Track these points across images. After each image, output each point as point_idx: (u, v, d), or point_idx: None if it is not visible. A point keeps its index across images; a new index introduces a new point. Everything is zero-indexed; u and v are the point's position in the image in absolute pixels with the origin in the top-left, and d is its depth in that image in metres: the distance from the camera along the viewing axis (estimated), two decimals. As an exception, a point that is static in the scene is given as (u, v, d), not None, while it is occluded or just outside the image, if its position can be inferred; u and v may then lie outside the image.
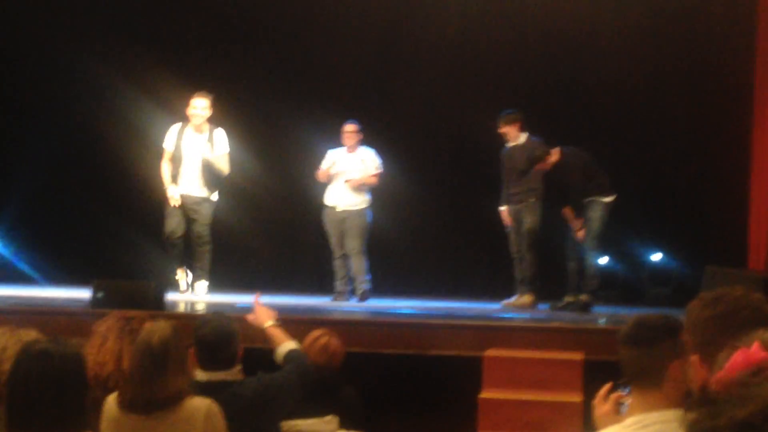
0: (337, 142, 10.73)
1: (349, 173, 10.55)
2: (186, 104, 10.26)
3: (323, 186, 10.71)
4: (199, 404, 4.13)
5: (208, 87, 10.47)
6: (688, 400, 1.99)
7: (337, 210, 10.57)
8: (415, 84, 12.40)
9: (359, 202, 10.55)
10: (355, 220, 10.51)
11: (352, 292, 10.57)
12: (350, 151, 10.63)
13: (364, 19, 12.51)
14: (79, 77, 12.40)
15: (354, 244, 10.49)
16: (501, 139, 10.37)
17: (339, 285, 10.62)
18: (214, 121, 10.36)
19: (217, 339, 4.65)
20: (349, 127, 10.63)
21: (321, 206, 10.76)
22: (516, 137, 10.25)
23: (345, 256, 10.57)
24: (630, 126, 11.96)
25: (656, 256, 12.06)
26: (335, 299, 10.50)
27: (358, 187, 10.54)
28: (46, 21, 12.69)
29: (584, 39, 12.04)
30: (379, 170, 10.62)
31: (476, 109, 11.81)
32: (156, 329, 4.13)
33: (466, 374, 7.24)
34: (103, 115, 12.67)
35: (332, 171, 10.57)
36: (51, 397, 3.21)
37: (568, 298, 9.91)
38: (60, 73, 12.54)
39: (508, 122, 10.25)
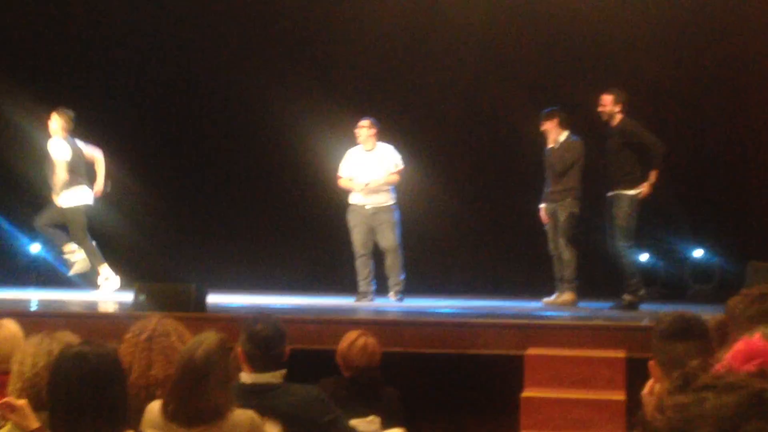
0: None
1: (369, 172, 10.44)
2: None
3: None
4: (243, 417, 4.11)
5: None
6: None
7: (364, 208, 10.44)
8: (450, 79, 12.36)
9: (386, 199, 10.47)
10: (385, 215, 10.41)
11: (380, 292, 10.47)
12: (368, 150, 10.48)
13: (392, 11, 12.48)
14: (124, 80, 12.47)
15: (389, 240, 10.36)
16: (543, 136, 10.31)
17: (362, 285, 10.45)
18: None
19: (271, 335, 4.67)
20: (363, 124, 10.49)
21: (345, 205, 10.64)
22: (556, 135, 10.19)
23: (368, 255, 10.43)
24: (670, 121, 11.86)
25: (698, 253, 11.96)
26: (358, 299, 10.37)
27: (381, 187, 10.45)
28: (96, 21, 12.79)
29: (622, 31, 11.96)
30: (399, 167, 10.49)
31: (519, 105, 11.77)
32: (201, 341, 4.10)
33: (508, 373, 7.21)
34: (142, 118, 12.75)
35: (352, 171, 10.45)
36: (90, 399, 3.23)
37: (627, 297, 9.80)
38: (100, 72, 12.62)
39: (547, 119, 10.21)
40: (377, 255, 10.53)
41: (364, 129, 10.45)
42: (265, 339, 4.66)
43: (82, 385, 3.23)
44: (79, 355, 3.28)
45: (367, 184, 10.35)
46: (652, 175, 9.67)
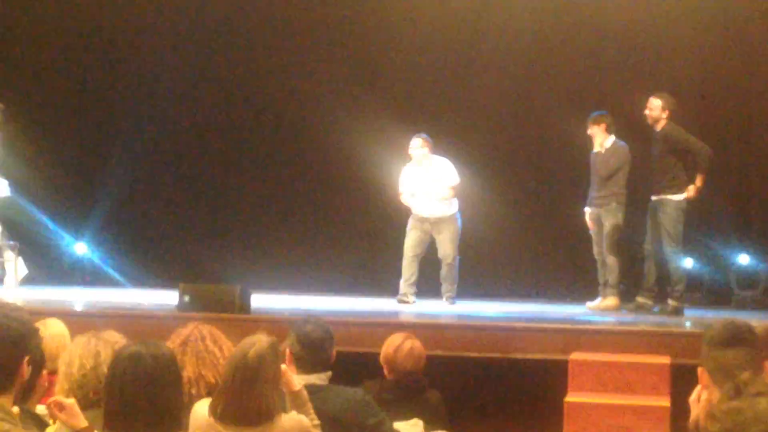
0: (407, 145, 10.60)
1: (426, 187, 10.39)
2: None
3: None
4: (292, 422, 4.12)
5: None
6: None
7: (425, 218, 10.42)
8: (495, 85, 12.33)
9: (447, 209, 10.46)
10: (447, 225, 10.39)
11: (424, 296, 10.44)
12: (422, 165, 10.44)
13: (440, 22, 12.48)
14: (167, 81, 12.55)
15: (448, 251, 10.35)
16: (587, 141, 10.26)
17: (404, 287, 10.41)
18: None
19: (321, 337, 4.70)
20: (415, 142, 10.41)
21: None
22: (602, 139, 10.14)
23: (415, 259, 10.40)
24: (717, 124, 11.76)
25: (743, 258, 11.85)
26: (400, 301, 10.34)
27: (443, 198, 10.42)
28: (142, 27, 12.88)
29: (669, 34, 11.89)
30: (456, 181, 10.45)
31: (560, 109, 11.73)
32: (254, 342, 4.09)
33: (552, 378, 7.18)
34: (190, 120, 12.83)
35: (410, 188, 10.43)
36: (145, 399, 3.25)
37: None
38: (149, 76, 12.70)
39: (594, 123, 10.16)
40: (430, 262, 10.50)
41: (417, 148, 10.41)
42: (315, 341, 4.69)
43: (137, 385, 3.25)
44: (135, 356, 3.30)
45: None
46: (699, 180, 9.61)
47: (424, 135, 10.46)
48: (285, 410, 4.17)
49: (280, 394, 4.23)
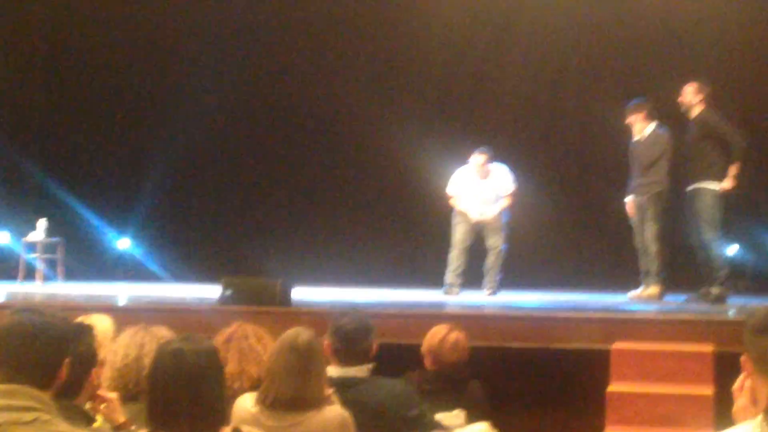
0: (462, 157, 10.58)
1: (482, 195, 10.44)
2: None
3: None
4: (334, 414, 4.16)
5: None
6: None
7: (473, 219, 10.47)
8: (533, 76, 12.32)
9: (496, 209, 10.49)
10: (493, 223, 10.49)
11: (466, 286, 10.45)
12: (482, 177, 10.48)
13: (476, 11, 12.46)
14: (206, 79, 12.62)
15: (495, 241, 10.43)
16: (626, 130, 10.19)
17: (451, 277, 10.47)
18: None
19: (357, 329, 4.72)
20: (478, 159, 10.43)
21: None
22: (642, 127, 10.06)
23: (462, 250, 10.42)
24: (759, 111, 11.66)
25: (788, 245, 11.77)
26: (447, 292, 10.38)
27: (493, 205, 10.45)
28: (180, 30, 12.96)
29: (709, 22, 11.80)
30: (512, 188, 10.46)
31: (599, 98, 11.68)
32: (298, 332, 4.20)
33: (594, 367, 7.15)
34: (231, 117, 12.90)
35: (464, 193, 10.45)
36: (187, 395, 3.27)
37: (714, 290, 9.68)
38: (189, 75, 12.78)
39: (633, 111, 10.08)
40: (473, 253, 10.51)
41: (479, 166, 10.43)
42: (350, 333, 4.71)
43: (178, 381, 3.27)
44: (176, 352, 3.32)
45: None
46: (733, 169, 9.50)
47: (485, 149, 10.45)
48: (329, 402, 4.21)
49: (327, 384, 4.26)
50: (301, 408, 4.08)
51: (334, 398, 4.28)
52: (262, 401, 4.11)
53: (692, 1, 11.79)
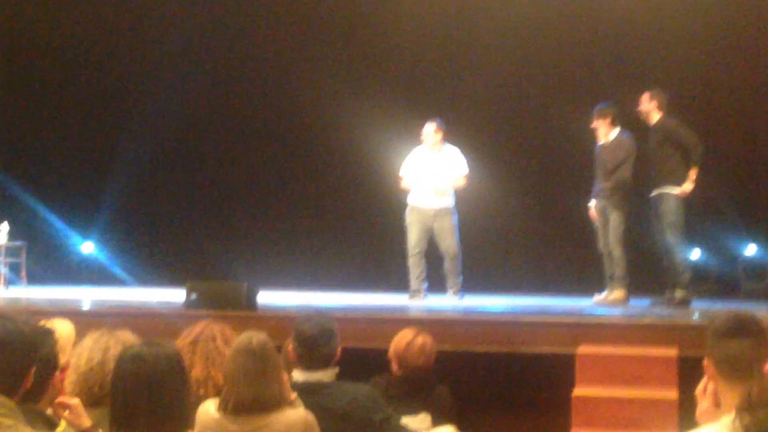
0: (417, 139, 10.56)
1: (433, 173, 10.41)
2: None
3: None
4: (298, 416, 4.16)
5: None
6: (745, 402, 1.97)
7: (423, 209, 10.42)
8: (497, 79, 12.34)
9: (447, 203, 10.44)
10: (446, 219, 10.38)
11: (432, 290, 10.44)
12: (434, 151, 10.47)
13: (440, 15, 12.48)
14: (171, 81, 12.56)
15: (450, 244, 10.34)
16: (592, 134, 10.25)
17: (415, 283, 10.42)
18: None
19: (318, 334, 4.70)
20: (429, 127, 10.43)
21: (394, 201, 10.58)
22: (607, 131, 10.12)
23: (421, 254, 10.38)
24: (721, 117, 11.77)
25: (751, 250, 11.84)
26: (411, 297, 10.35)
27: (445, 190, 10.43)
28: (145, 28, 12.90)
29: (670, 28, 11.89)
30: (465, 172, 10.44)
31: (563, 102, 11.73)
32: (252, 335, 4.20)
33: (559, 371, 7.18)
34: (195, 118, 12.84)
35: (416, 172, 10.42)
36: (147, 399, 3.26)
37: (679, 293, 9.74)
38: (154, 76, 12.72)
39: (598, 116, 10.15)
40: (434, 256, 10.49)
41: (431, 134, 10.41)
42: (312, 338, 4.69)
43: (138, 386, 3.26)
44: (137, 357, 3.32)
45: (434, 185, 10.30)
46: (692, 173, 9.61)
47: (438, 121, 10.46)
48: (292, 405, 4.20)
49: (286, 385, 4.25)
50: (261, 411, 4.08)
51: (298, 402, 4.27)
52: (223, 407, 4.10)
53: (654, 10, 11.85)
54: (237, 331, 4.62)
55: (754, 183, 12.03)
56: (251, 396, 4.07)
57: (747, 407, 1.75)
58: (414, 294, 10.37)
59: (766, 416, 1.60)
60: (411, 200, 10.46)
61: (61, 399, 3.74)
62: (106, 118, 13.05)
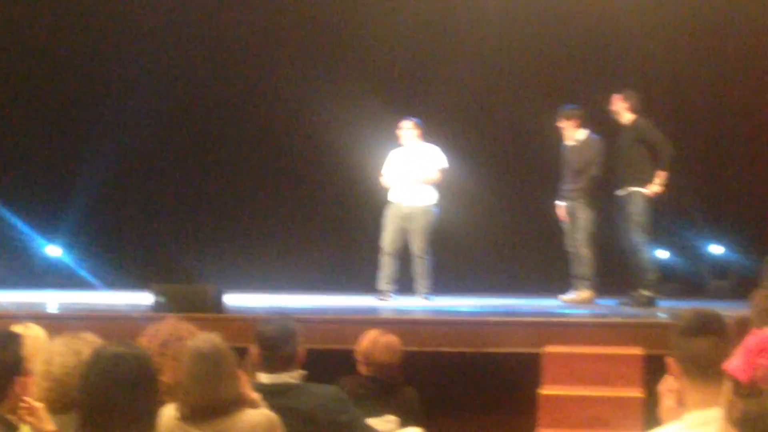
0: (392, 139, 10.56)
1: (410, 170, 10.37)
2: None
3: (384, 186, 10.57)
4: (262, 416, 4.13)
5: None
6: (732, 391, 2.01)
7: (399, 205, 10.38)
8: (467, 78, 12.36)
9: (426, 198, 10.44)
10: (420, 218, 10.31)
11: (401, 291, 10.44)
12: (410, 149, 10.44)
13: (413, 13, 12.50)
14: (138, 82, 12.50)
15: (419, 245, 10.31)
16: (560, 134, 10.30)
17: (383, 284, 10.36)
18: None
19: (278, 336, 4.69)
20: (405, 124, 10.45)
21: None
22: (573, 133, 10.18)
23: (394, 255, 10.34)
24: (688, 117, 11.86)
25: (716, 249, 11.94)
26: (380, 298, 10.30)
27: (423, 184, 10.39)
28: (115, 28, 12.83)
29: (639, 28, 11.96)
30: (445, 165, 10.41)
31: (532, 102, 11.77)
32: (205, 337, 4.14)
33: (526, 371, 7.21)
34: (161, 119, 12.78)
35: (394, 170, 10.41)
36: (125, 400, 3.24)
37: (644, 292, 9.78)
38: (122, 78, 12.65)
39: (566, 117, 10.20)
40: (407, 256, 10.48)
41: (408, 130, 10.42)
42: (272, 340, 4.68)
43: (118, 386, 3.24)
44: (117, 356, 3.29)
45: (410, 179, 10.27)
46: (661, 175, 9.68)
47: (414, 118, 10.47)
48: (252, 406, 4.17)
49: (243, 386, 4.21)
50: (220, 413, 4.03)
51: (262, 404, 4.25)
52: (182, 412, 4.06)
53: (625, 11, 11.91)
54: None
55: (719, 183, 12.12)
56: (207, 400, 4.01)
57: (736, 394, 1.79)
58: (382, 295, 10.35)
59: (755, 403, 1.63)
60: (391, 197, 10.45)
61: (26, 402, 3.71)
62: (72, 120, 12.96)
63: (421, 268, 10.34)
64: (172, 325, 4.48)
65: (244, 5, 12.79)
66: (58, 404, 3.88)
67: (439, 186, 10.42)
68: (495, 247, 12.35)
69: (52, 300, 9.87)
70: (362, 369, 5.77)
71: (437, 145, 10.57)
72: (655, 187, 9.69)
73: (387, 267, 10.37)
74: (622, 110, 9.89)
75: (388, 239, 10.37)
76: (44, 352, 4.18)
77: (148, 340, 4.40)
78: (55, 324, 5.53)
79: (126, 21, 12.79)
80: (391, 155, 10.49)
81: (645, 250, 9.80)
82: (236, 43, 12.72)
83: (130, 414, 3.25)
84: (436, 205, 10.40)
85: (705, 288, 11.63)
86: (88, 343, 4.08)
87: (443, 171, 10.39)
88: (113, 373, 3.28)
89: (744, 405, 1.66)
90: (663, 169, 9.71)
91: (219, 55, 12.75)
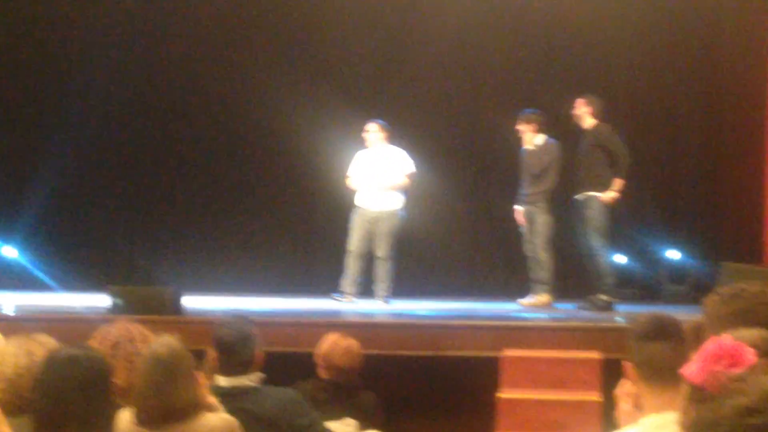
0: (360, 141, 10.55)
1: (376, 173, 10.36)
2: None
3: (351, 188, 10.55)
4: (220, 420, 4.10)
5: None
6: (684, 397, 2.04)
7: (369, 210, 10.34)
8: (427, 82, 12.37)
9: (391, 204, 10.41)
10: (386, 222, 10.29)
11: (363, 294, 10.42)
12: (377, 151, 10.42)
13: (376, 17, 12.49)
14: (94, 80, 12.40)
15: (382, 250, 10.27)
16: (519, 138, 10.33)
17: (347, 285, 10.34)
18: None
19: (234, 340, 4.67)
20: (371, 126, 10.42)
21: (350, 207, 10.54)
22: (532, 137, 10.23)
23: (358, 257, 10.33)
24: (645, 123, 11.94)
25: (673, 254, 12.02)
26: (339, 299, 10.24)
27: (390, 189, 10.36)
28: (72, 21, 12.71)
29: (599, 36, 12.03)
30: (412, 170, 10.41)
31: (492, 106, 11.82)
32: (163, 341, 4.09)
33: (484, 374, 7.24)
34: (118, 117, 12.69)
35: (360, 173, 10.40)
36: (79, 403, 3.22)
37: (603, 297, 9.81)
38: (78, 75, 12.54)
39: (524, 121, 10.25)
40: (370, 259, 10.47)
41: (373, 132, 10.40)
42: (229, 344, 4.66)
43: (73, 389, 3.22)
44: (72, 359, 3.27)
45: (377, 184, 10.25)
46: (617, 182, 9.75)
47: (380, 121, 10.46)
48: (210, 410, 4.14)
49: (201, 390, 4.18)
50: (178, 417, 3.99)
51: (220, 407, 4.23)
52: (138, 417, 4.02)
53: (587, 17, 11.97)
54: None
55: (676, 188, 12.22)
56: (163, 406, 3.96)
57: (691, 400, 1.83)
58: (343, 296, 10.32)
59: (707, 409, 1.65)
60: (357, 201, 10.44)
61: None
62: (28, 118, 12.83)
63: (382, 271, 10.34)
64: (123, 326, 4.42)
65: (208, 6, 12.72)
66: (11, 406, 3.84)
67: (406, 190, 10.44)
68: (454, 251, 12.37)
69: (9, 302, 9.78)
70: (322, 373, 5.76)
71: (402, 147, 10.58)
72: (611, 194, 9.77)
73: (350, 268, 10.36)
74: (585, 115, 9.96)
75: (354, 242, 10.35)
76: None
77: (99, 342, 4.34)
78: (11, 326, 5.49)
79: (88, 16, 12.68)
80: (357, 157, 10.48)
81: (603, 254, 9.86)
82: (200, 44, 12.63)
83: (85, 416, 3.24)
84: (402, 209, 10.40)
85: (662, 293, 11.70)
86: (42, 344, 4.05)
87: (411, 176, 10.40)
88: (68, 376, 3.26)
89: (698, 411, 1.68)
90: (620, 176, 9.79)
91: (179, 54, 12.66)
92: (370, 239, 10.35)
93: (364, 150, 10.48)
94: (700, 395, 1.72)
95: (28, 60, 12.83)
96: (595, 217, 9.79)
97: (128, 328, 4.40)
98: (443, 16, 12.27)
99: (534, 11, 12.18)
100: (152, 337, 4.35)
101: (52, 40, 12.81)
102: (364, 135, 10.42)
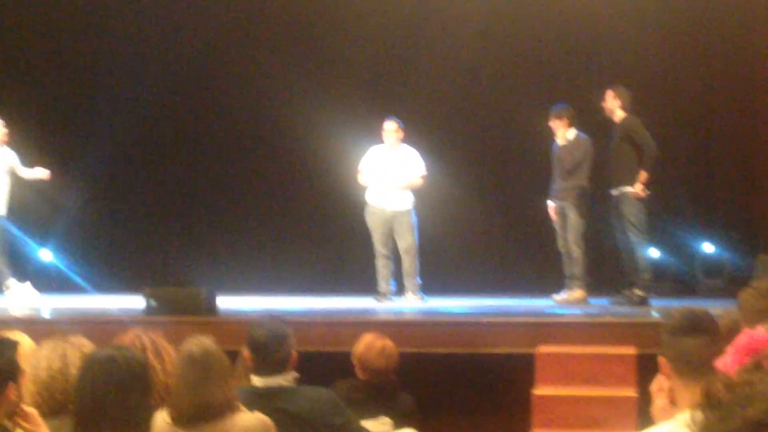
0: (377, 139, 10.60)
1: (391, 172, 10.41)
2: None
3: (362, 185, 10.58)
4: (256, 420, 4.13)
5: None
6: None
7: (382, 209, 10.40)
8: (455, 78, 12.35)
9: (405, 203, 10.46)
10: (403, 218, 10.36)
11: (398, 292, 10.45)
12: (392, 150, 10.47)
13: (391, 12, 12.47)
14: (130, 85, 12.46)
15: (408, 242, 10.33)
16: (550, 133, 10.30)
17: (383, 285, 10.41)
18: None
19: (269, 340, 4.68)
20: (390, 125, 10.44)
21: (363, 204, 10.58)
22: (563, 133, 10.19)
23: (389, 256, 10.44)
24: (679, 116, 11.86)
25: (708, 247, 11.94)
26: (379, 300, 10.34)
27: (403, 188, 10.42)
28: (106, 30, 12.80)
29: (629, 27, 11.96)
30: (423, 173, 10.45)
31: (525, 101, 11.76)
32: (196, 340, 4.14)
33: (519, 371, 7.22)
34: (154, 122, 12.75)
35: (373, 170, 10.42)
36: (117, 404, 3.24)
37: (638, 292, 9.76)
38: (113, 81, 12.60)
39: (555, 116, 10.21)
40: (397, 257, 10.50)
41: (392, 131, 10.42)
42: (263, 344, 4.67)
43: (111, 389, 3.24)
44: (109, 360, 3.29)
45: (392, 183, 10.29)
46: (641, 175, 9.64)
47: (397, 120, 10.49)
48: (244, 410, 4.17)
49: (234, 389, 4.21)
50: (213, 417, 4.03)
51: (255, 407, 4.25)
52: (174, 417, 4.06)
53: (614, 10, 11.91)
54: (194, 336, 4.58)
55: (711, 181, 12.14)
56: (196, 404, 4.01)
57: (700, 407, 1.81)
58: (381, 296, 10.36)
59: (716, 419, 1.64)
60: (369, 200, 10.47)
61: (19, 409, 3.71)
62: (63, 120, 12.93)
63: (409, 265, 10.36)
64: (135, 335, 4.45)
65: (225, 7, 12.77)
66: (45, 408, 3.88)
67: (419, 190, 10.46)
68: (487, 248, 12.34)
69: (46, 305, 9.86)
70: (359, 373, 5.75)
71: (427, 145, 10.60)
72: (638, 186, 9.66)
73: (383, 269, 10.41)
74: (614, 107, 9.88)
75: (380, 242, 10.39)
76: (31, 356, 4.18)
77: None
78: (49, 329, 5.52)
79: (121, 16, 12.76)
80: (371, 152, 10.51)
81: (641, 249, 9.79)
82: (230, 45, 12.69)
83: (124, 417, 3.26)
84: (414, 208, 10.45)
85: (697, 287, 11.63)
86: (75, 346, 4.08)
87: (422, 177, 10.44)
88: (107, 376, 3.28)
89: (708, 419, 1.67)
90: (645, 168, 9.68)
91: (211, 57, 12.72)
92: (391, 236, 10.39)
93: (378, 146, 10.50)
94: (710, 401, 1.70)
95: (65, 64, 12.93)
96: (631, 213, 9.72)
97: (140, 336, 4.42)
98: (462, 10, 12.25)
99: (561, 2, 12.12)
100: (167, 345, 4.37)
101: (91, 38, 12.88)
102: (383, 133, 10.43)
